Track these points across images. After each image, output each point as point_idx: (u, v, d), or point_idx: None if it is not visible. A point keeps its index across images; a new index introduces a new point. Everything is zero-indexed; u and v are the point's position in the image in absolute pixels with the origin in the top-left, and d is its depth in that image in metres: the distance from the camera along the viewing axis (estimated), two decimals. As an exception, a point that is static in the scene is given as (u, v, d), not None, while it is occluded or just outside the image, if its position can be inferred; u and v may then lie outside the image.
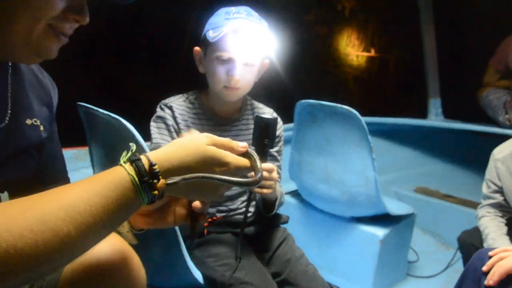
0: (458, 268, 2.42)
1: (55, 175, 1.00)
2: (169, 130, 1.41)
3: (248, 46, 1.35)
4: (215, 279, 1.29)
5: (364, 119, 1.79)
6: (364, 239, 2.06)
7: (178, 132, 1.41)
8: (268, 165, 1.25)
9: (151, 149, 1.41)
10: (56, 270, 0.65)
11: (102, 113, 1.23)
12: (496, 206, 1.78)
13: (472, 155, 3.35)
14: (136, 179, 0.66)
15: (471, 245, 1.78)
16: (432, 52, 3.37)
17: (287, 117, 2.05)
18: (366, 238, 2.05)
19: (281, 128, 1.55)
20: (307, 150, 2.01)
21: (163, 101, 1.45)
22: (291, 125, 2.09)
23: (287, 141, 2.09)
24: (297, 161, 2.08)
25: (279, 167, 1.55)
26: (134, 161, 0.68)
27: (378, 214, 2.04)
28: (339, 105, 1.82)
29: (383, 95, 4.75)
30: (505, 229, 1.71)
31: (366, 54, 4.69)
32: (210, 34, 1.33)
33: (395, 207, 2.09)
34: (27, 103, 0.89)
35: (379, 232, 2.03)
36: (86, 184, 0.64)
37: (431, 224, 2.83)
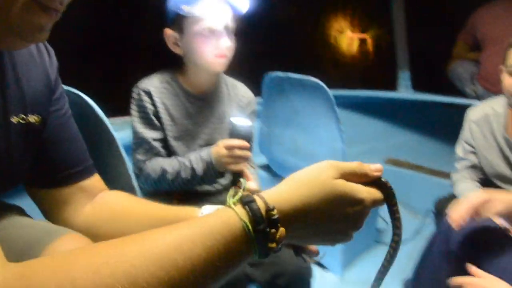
0: (427, 235, 2.49)
1: (70, 159, 0.88)
2: (150, 119, 1.42)
3: (228, 12, 1.37)
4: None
5: (333, 92, 1.81)
6: (333, 209, 2.09)
7: (159, 118, 1.43)
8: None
9: (136, 143, 1.44)
10: None
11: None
12: (471, 168, 1.81)
13: (441, 126, 3.42)
14: (250, 226, 0.52)
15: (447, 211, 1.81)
16: (401, 24, 3.39)
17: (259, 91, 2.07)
18: (336, 207, 2.08)
19: (254, 102, 1.59)
20: (275, 123, 2.03)
21: (139, 85, 1.44)
22: (259, 99, 2.11)
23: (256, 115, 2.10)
24: (266, 134, 2.10)
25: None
26: (247, 203, 0.53)
27: (347, 184, 2.07)
28: (306, 77, 1.84)
29: (361, 74, 4.75)
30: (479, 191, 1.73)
31: (343, 34, 4.67)
32: (186, 9, 1.32)
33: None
34: (17, 96, 0.77)
35: (348, 201, 2.06)
36: (183, 230, 0.50)
37: (400, 193, 2.81)
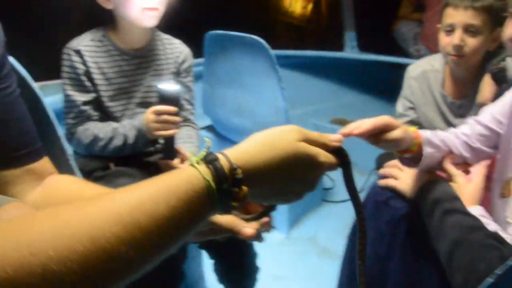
0: (370, 191, 2.57)
1: (18, 140, 0.82)
2: (81, 80, 1.36)
3: None
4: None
5: (281, 52, 1.80)
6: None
7: (91, 79, 1.37)
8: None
9: (66, 107, 1.38)
10: None
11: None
12: (411, 124, 1.82)
13: (386, 86, 3.48)
14: (213, 186, 0.51)
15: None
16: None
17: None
18: (280, 167, 2.10)
19: (191, 58, 1.55)
20: (218, 82, 2.00)
21: (68, 45, 1.38)
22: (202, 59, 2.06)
23: (199, 77, 2.06)
24: (209, 94, 2.07)
25: (192, 97, 1.57)
26: (211, 161, 0.52)
27: (291, 143, 2.09)
28: (247, 35, 1.80)
29: (315, 36, 4.70)
30: None
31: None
32: None
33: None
34: None
35: (293, 161, 2.08)
36: (146, 190, 0.49)
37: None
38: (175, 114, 1.31)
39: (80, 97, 1.37)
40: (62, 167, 1.18)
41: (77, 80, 1.36)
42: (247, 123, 1.98)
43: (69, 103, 1.37)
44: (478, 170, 1.09)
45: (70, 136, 1.38)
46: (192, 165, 0.53)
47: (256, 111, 1.94)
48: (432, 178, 1.11)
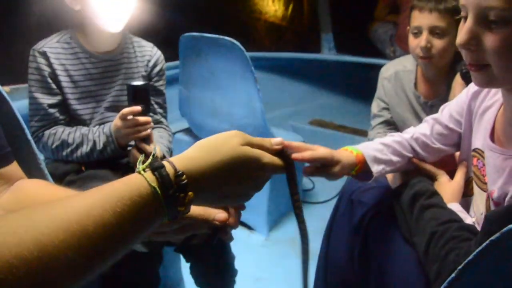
0: (349, 192, 2.58)
1: None
2: (47, 83, 1.35)
3: None
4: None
5: (257, 54, 1.80)
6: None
7: (58, 81, 1.36)
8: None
9: (32, 109, 1.36)
10: None
11: None
12: (385, 124, 1.86)
13: (363, 87, 3.51)
14: (159, 192, 0.52)
15: None
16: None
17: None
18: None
19: (162, 60, 1.54)
20: (194, 85, 1.99)
21: (35, 47, 1.36)
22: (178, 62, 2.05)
23: (176, 79, 2.05)
24: (185, 97, 2.06)
25: (164, 100, 1.55)
26: (156, 168, 0.54)
27: (268, 144, 2.09)
28: (221, 36, 1.80)
29: (297, 38, 4.71)
30: None
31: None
32: None
33: (284, 137, 2.15)
34: None
35: (271, 162, 2.08)
36: (94, 197, 0.50)
37: (326, 154, 2.97)
38: (144, 113, 1.29)
39: (45, 100, 1.35)
40: (33, 171, 1.16)
41: (43, 82, 1.35)
42: (224, 125, 1.98)
43: (34, 105, 1.36)
44: (459, 169, 1.11)
45: (36, 140, 1.36)
46: (139, 172, 0.54)
47: (232, 113, 1.93)
48: (414, 175, 1.13)
